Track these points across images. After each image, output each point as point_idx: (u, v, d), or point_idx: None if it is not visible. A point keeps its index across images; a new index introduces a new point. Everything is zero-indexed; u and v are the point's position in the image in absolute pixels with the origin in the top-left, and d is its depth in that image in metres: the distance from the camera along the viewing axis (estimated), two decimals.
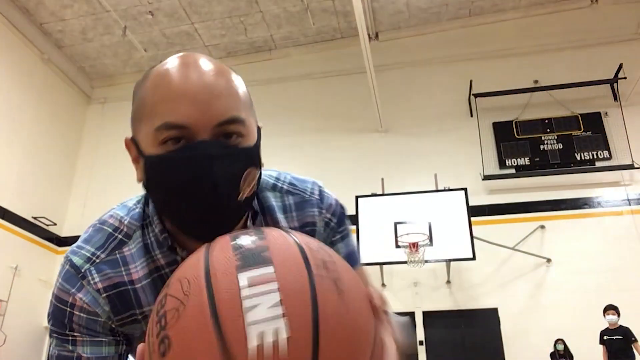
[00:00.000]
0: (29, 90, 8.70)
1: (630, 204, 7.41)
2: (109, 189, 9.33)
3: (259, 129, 0.84)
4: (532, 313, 7.09)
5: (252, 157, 0.77)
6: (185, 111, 0.72)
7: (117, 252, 0.81)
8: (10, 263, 7.88)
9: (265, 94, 9.42)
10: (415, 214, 6.92)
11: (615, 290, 6.90)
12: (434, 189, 7.35)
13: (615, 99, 7.99)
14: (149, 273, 0.81)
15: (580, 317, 6.85)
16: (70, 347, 0.78)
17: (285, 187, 0.94)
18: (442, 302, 7.39)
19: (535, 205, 7.67)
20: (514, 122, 8.21)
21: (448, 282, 7.38)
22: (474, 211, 7.04)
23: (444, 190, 7.19)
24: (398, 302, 7.40)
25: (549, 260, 7.28)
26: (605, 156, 7.71)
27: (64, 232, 9.13)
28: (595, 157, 7.75)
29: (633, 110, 7.86)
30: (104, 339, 0.79)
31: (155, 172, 0.74)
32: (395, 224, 6.89)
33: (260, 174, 0.82)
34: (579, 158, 7.78)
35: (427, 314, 7.35)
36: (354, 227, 7.11)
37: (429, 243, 6.65)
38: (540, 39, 8.62)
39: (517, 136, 8.13)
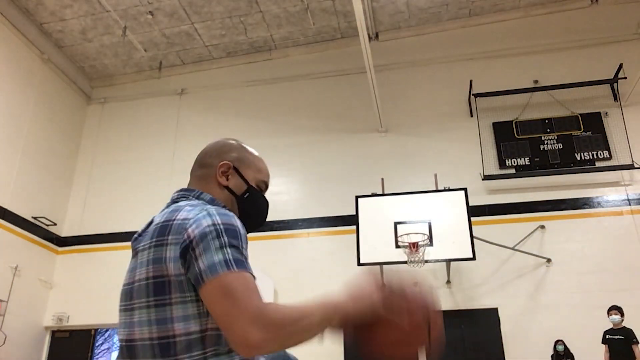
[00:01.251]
0: (28, 90, 8.70)
1: (630, 204, 7.41)
2: (109, 189, 9.34)
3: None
4: (532, 313, 7.09)
5: None
6: (268, 181, 1.48)
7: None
8: (10, 263, 7.88)
9: (265, 94, 9.43)
10: (415, 214, 6.91)
11: (615, 290, 6.90)
12: (434, 189, 7.34)
13: (615, 99, 8.00)
14: None
15: (580, 317, 6.86)
16: (243, 252, 1.14)
17: None
18: (442, 302, 7.38)
19: (535, 205, 7.67)
20: (514, 122, 8.21)
21: (448, 282, 7.38)
22: (474, 211, 7.04)
23: (444, 190, 7.18)
24: None
25: (549, 260, 7.28)
26: (605, 156, 7.71)
27: (64, 232, 9.13)
28: (595, 157, 7.75)
29: (633, 110, 7.87)
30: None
31: (256, 199, 1.42)
32: (395, 224, 6.88)
33: None
34: (579, 158, 7.78)
35: None
36: (354, 227, 7.11)
37: (429, 243, 6.64)
38: (540, 39, 8.62)
39: (517, 136, 8.13)
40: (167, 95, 9.88)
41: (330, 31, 9.26)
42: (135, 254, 1.27)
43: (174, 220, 1.17)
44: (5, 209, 7.95)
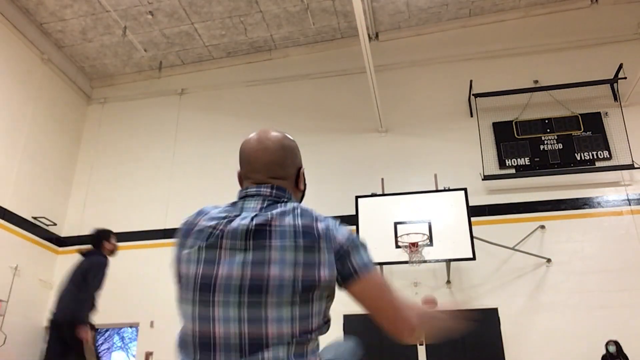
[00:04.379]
0: (28, 90, 8.70)
1: (630, 204, 7.41)
2: (109, 189, 9.34)
3: None
4: (532, 313, 7.08)
5: None
6: None
7: None
8: (10, 263, 7.88)
9: (265, 94, 9.43)
10: (415, 214, 6.92)
11: (615, 290, 6.90)
12: (434, 189, 7.34)
13: (615, 99, 7.99)
14: None
15: (580, 317, 6.85)
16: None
17: None
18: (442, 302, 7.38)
19: (535, 205, 7.67)
20: (514, 122, 8.21)
21: (448, 282, 7.38)
22: (474, 211, 7.04)
23: (444, 190, 7.18)
24: None
25: (549, 260, 7.28)
26: (605, 156, 7.71)
27: (64, 232, 9.13)
28: (595, 157, 7.75)
29: (633, 110, 7.86)
30: None
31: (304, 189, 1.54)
32: (395, 224, 6.88)
33: None
34: (579, 158, 7.78)
35: None
36: (354, 227, 7.11)
37: (429, 243, 6.64)
38: (540, 39, 8.62)
39: (517, 136, 8.13)
40: (167, 95, 9.88)
41: (330, 31, 9.26)
42: (245, 248, 1.25)
43: (316, 227, 1.29)
44: (5, 209, 7.95)
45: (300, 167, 1.52)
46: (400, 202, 7.15)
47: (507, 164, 7.99)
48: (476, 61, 8.70)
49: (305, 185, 1.53)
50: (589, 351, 6.53)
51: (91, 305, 4.63)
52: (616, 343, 6.32)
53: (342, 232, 1.31)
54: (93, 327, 4.74)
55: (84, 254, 4.90)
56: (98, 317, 8.49)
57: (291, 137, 1.52)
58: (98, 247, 4.88)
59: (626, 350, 6.30)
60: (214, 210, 1.33)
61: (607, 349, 6.35)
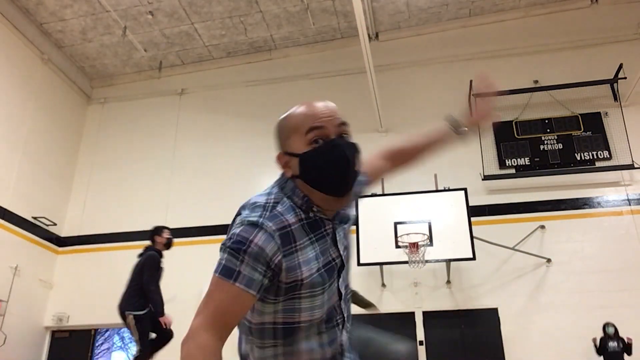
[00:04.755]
0: (29, 90, 8.70)
1: (630, 204, 7.41)
2: (109, 189, 9.34)
3: None
4: (532, 313, 7.08)
5: (358, 146, 1.35)
6: (319, 119, 1.31)
7: (274, 211, 1.27)
8: (10, 263, 7.88)
9: (266, 94, 9.43)
10: (415, 214, 6.92)
11: (615, 290, 6.90)
12: (434, 189, 7.34)
13: (615, 99, 7.99)
14: (297, 222, 1.29)
15: (580, 317, 6.85)
16: (237, 262, 1.19)
17: None
18: (442, 302, 7.39)
19: (535, 205, 7.67)
20: (514, 122, 8.21)
21: (448, 282, 7.38)
22: (474, 211, 7.04)
23: (444, 190, 7.19)
24: (398, 302, 7.41)
25: (549, 260, 7.28)
26: (605, 156, 7.71)
27: (64, 232, 9.13)
28: (595, 157, 7.75)
29: (633, 110, 7.86)
30: (259, 269, 1.20)
31: (311, 159, 1.28)
32: (395, 224, 6.88)
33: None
34: (579, 158, 7.78)
35: (427, 314, 7.35)
36: (354, 228, 7.10)
37: (429, 243, 6.64)
38: (540, 39, 8.61)
39: (517, 136, 8.13)
40: (167, 95, 9.88)
41: (330, 31, 9.26)
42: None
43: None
44: (5, 209, 7.95)
45: (278, 155, 1.37)
46: (400, 202, 7.15)
47: (507, 164, 7.99)
48: (476, 61, 8.70)
49: (293, 163, 1.32)
50: (589, 351, 6.53)
51: (153, 296, 5.06)
52: (614, 326, 6.38)
53: (230, 231, 1.27)
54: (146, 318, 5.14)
55: (143, 251, 5.39)
56: (98, 317, 8.53)
57: (285, 114, 1.38)
58: (152, 242, 5.35)
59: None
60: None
61: (604, 331, 6.41)
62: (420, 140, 1.72)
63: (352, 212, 1.50)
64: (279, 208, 1.28)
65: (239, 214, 1.32)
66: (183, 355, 1.13)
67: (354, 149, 1.33)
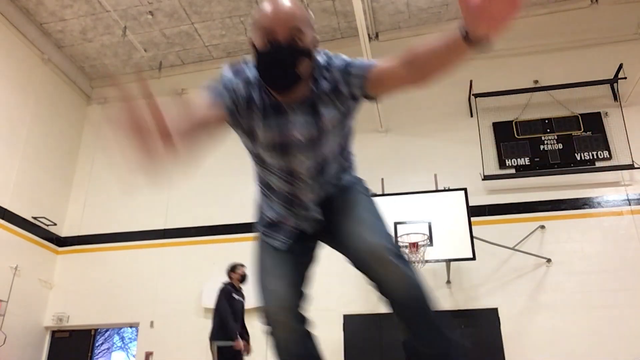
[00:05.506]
0: (29, 90, 8.70)
1: (630, 204, 7.41)
2: (109, 189, 9.34)
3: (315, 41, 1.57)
4: (532, 313, 7.08)
5: (305, 51, 1.49)
6: (270, 20, 1.45)
7: (240, 66, 1.61)
8: (10, 263, 7.88)
9: None
10: (415, 214, 6.92)
11: (615, 290, 6.90)
12: (434, 189, 7.35)
13: (615, 99, 7.99)
14: (257, 87, 1.59)
15: (580, 317, 6.85)
16: (212, 84, 1.56)
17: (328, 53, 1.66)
18: (442, 302, 7.37)
19: (535, 205, 7.67)
20: (514, 122, 8.21)
21: (448, 282, 7.38)
22: (474, 211, 7.04)
23: (444, 190, 7.19)
24: None
25: (549, 260, 7.27)
26: (605, 156, 7.71)
27: (64, 232, 9.13)
28: (595, 157, 7.75)
29: (633, 110, 7.86)
30: (225, 92, 1.53)
31: (256, 58, 1.50)
32: (395, 224, 6.88)
33: (313, 61, 1.56)
34: (579, 158, 7.78)
35: None
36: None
37: (429, 243, 6.64)
38: (540, 39, 8.61)
39: (517, 136, 8.13)
40: (167, 96, 9.87)
41: (330, 31, 9.26)
42: None
43: None
44: (5, 209, 7.95)
45: (250, 38, 1.66)
46: (400, 202, 7.14)
47: (507, 164, 7.99)
48: (476, 61, 8.65)
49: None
50: (589, 351, 6.53)
51: (228, 325, 5.60)
52: None
53: None
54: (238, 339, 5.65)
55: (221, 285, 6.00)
56: (98, 317, 8.53)
57: (260, 5, 1.67)
58: (229, 278, 5.98)
59: (626, 350, 6.31)
60: None
61: None
62: (439, 44, 1.47)
63: (336, 84, 1.63)
64: (246, 68, 1.60)
65: None
66: None
67: (294, 54, 1.45)
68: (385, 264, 1.58)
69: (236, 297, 5.82)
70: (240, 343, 5.56)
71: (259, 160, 1.72)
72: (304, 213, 1.80)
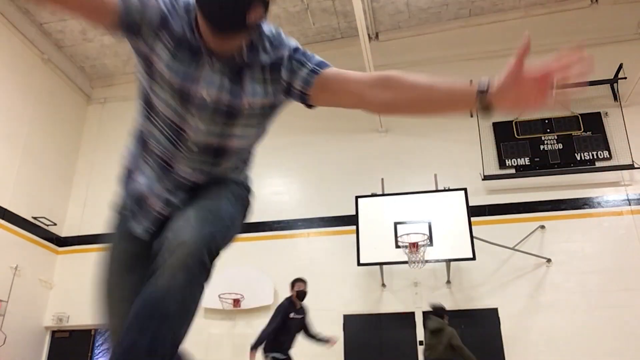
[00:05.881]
0: (29, 90, 8.70)
1: (630, 204, 7.41)
2: (109, 189, 9.32)
3: None
4: (532, 313, 7.08)
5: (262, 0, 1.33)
6: None
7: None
8: (10, 263, 7.88)
9: None
10: (415, 214, 6.92)
11: (615, 290, 6.90)
12: (434, 189, 7.35)
13: (615, 99, 7.99)
14: (181, 24, 1.38)
15: (580, 317, 6.85)
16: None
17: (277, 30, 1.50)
18: (442, 302, 7.38)
19: (535, 205, 7.67)
20: (514, 122, 8.21)
21: (448, 282, 7.38)
22: (474, 211, 7.04)
23: (444, 190, 7.19)
24: (398, 302, 7.41)
25: (549, 260, 7.27)
26: (605, 156, 7.71)
27: (64, 232, 9.13)
28: (595, 157, 7.75)
29: (633, 110, 7.86)
30: (137, 2, 1.32)
31: None
32: (395, 224, 6.89)
33: (260, 24, 1.42)
34: (579, 158, 7.78)
35: (427, 314, 7.34)
36: (354, 228, 7.10)
37: (429, 243, 6.65)
38: (540, 39, 8.59)
39: (517, 136, 8.13)
40: None
41: (330, 31, 9.26)
42: None
43: None
44: (5, 209, 7.95)
45: None
46: (400, 202, 7.15)
47: (507, 164, 7.99)
48: (476, 61, 8.69)
49: None
50: (589, 351, 6.53)
51: (260, 337, 5.45)
52: None
53: None
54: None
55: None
56: (98, 317, 8.51)
57: None
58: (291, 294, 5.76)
59: (626, 350, 6.31)
60: None
61: None
62: (439, 86, 1.40)
63: (273, 55, 1.47)
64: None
65: None
66: None
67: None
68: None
69: (292, 315, 5.53)
70: (254, 356, 5.41)
71: (147, 104, 1.46)
72: (171, 187, 1.53)
